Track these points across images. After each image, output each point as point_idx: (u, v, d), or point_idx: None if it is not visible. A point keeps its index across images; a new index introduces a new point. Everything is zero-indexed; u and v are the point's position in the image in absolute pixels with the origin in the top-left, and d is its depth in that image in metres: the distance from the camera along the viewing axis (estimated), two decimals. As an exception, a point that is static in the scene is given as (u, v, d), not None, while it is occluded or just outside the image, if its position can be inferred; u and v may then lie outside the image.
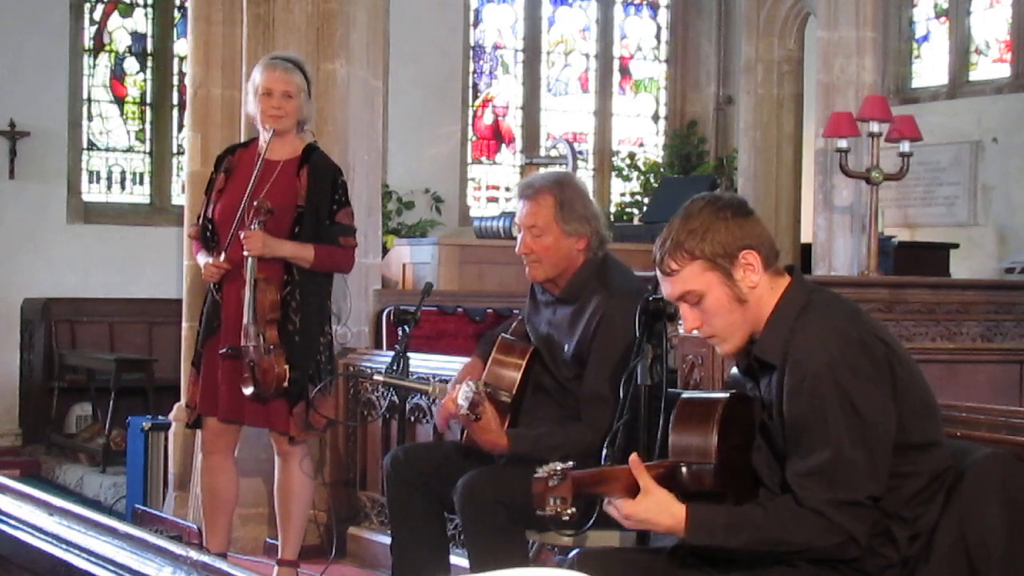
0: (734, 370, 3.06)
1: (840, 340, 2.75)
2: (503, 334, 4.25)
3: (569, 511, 2.70)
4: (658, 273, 2.93)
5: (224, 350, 4.94)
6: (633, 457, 2.81)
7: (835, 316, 2.83)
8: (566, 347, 4.08)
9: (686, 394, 3.02)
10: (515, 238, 4.21)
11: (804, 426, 2.74)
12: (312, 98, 5.18)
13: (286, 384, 4.87)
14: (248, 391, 4.88)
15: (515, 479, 3.80)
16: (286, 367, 4.87)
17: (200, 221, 5.17)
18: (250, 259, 4.85)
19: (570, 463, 2.75)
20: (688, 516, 2.74)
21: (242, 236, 4.85)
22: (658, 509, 2.75)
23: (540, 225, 4.06)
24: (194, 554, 1.65)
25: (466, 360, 4.40)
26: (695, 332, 2.99)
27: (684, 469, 2.80)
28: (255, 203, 4.86)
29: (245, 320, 4.87)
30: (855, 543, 2.72)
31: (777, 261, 2.92)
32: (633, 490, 2.77)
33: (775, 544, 2.74)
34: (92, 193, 10.39)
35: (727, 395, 2.90)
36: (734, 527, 2.75)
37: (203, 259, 5.07)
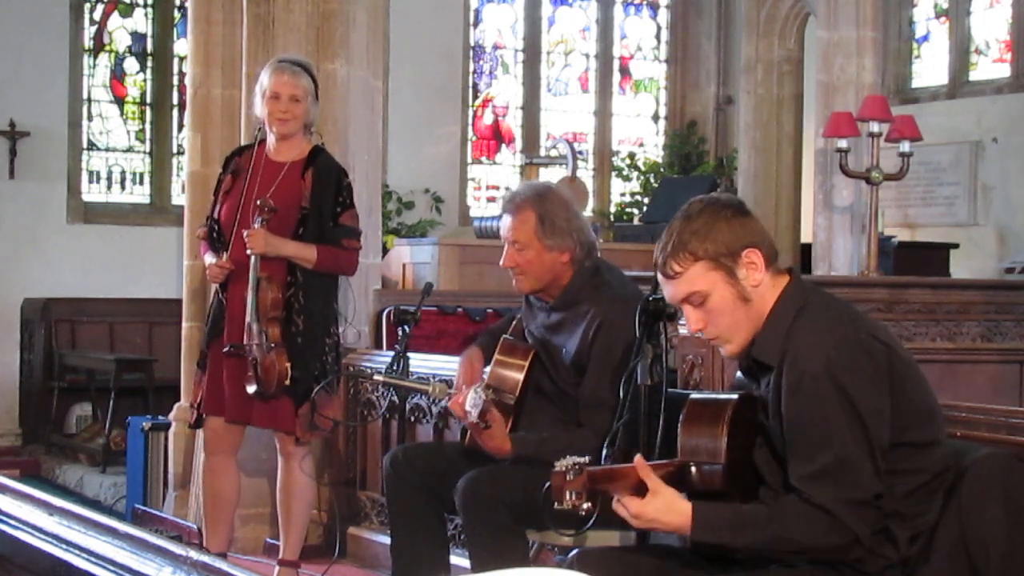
0: (739, 374, 3.06)
1: (837, 341, 2.76)
2: (505, 335, 4.24)
3: (585, 505, 2.73)
4: (660, 277, 2.93)
5: (227, 348, 4.95)
6: (638, 458, 2.82)
7: (832, 317, 2.83)
8: (564, 352, 4.07)
9: (695, 395, 3.03)
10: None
11: (803, 427, 2.74)
12: (319, 100, 5.19)
13: (287, 382, 4.88)
14: (251, 389, 4.89)
15: (516, 479, 3.82)
16: (287, 365, 4.87)
17: (208, 222, 5.18)
18: (253, 257, 4.86)
19: (586, 458, 2.78)
20: (694, 514, 2.75)
21: (245, 234, 4.86)
22: (666, 508, 2.76)
23: (522, 240, 4.07)
24: (194, 554, 1.65)
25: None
26: (700, 334, 2.98)
27: (693, 469, 2.82)
28: (258, 201, 4.87)
29: (248, 318, 4.88)
30: (859, 544, 2.71)
31: (777, 260, 2.92)
32: (642, 489, 2.79)
33: (779, 543, 2.74)
34: (92, 193, 10.39)
35: (736, 396, 2.91)
36: (739, 525, 2.75)
37: (209, 259, 5.08)
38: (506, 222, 4.14)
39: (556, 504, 2.77)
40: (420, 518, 4.17)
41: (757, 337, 2.86)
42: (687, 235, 2.84)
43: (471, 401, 3.89)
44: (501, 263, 4.16)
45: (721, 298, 2.85)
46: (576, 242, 4.07)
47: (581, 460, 2.77)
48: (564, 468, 2.75)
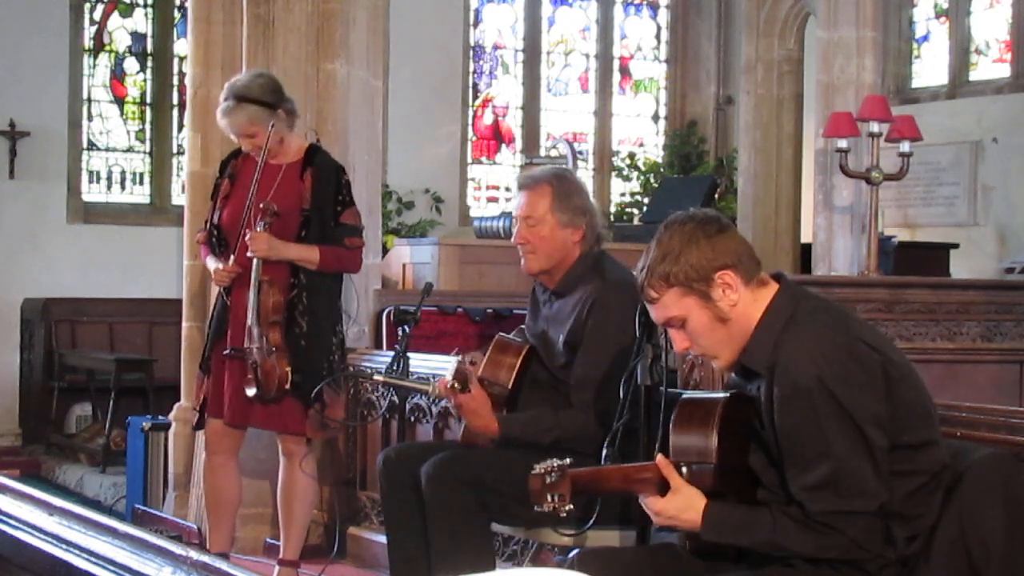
0: (733, 373, 3.06)
1: (827, 350, 2.75)
2: (500, 334, 4.27)
3: (567, 507, 2.73)
4: (644, 300, 2.95)
5: (227, 351, 4.95)
6: (660, 457, 2.82)
7: (821, 326, 2.81)
8: (560, 336, 4.08)
9: (686, 394, 3.03)
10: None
11: (799, 439, 2.74)
12: (285, 102, 5.02)
13: (287, 386, 4.88)
14: (251, 392, 4.89)
15: (484, 462, 3.85)
16: (287, 369, 4.87)
17: (207, 227, 5.17)
18: (255, 261, 4.86)
19: (567, 460, 2.77)
20: (704, 513, 2.78)
21: (247, 238, 4.86)
22: (686, 506, 2.79)
23: (536, 215, 4.11)
24: (194, 554, 1.65)
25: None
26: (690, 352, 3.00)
27: (684, 469, 2.82)
28: (260, 205, 4.87)
29: (249, 321, 4.88)
30: (863, 550, 2.73)
31: (759, 271, 2.91)
32: (637, 487, 2.79)
33: (782, 550, 2.76)
34: (92, 193, 10.39)
35: (727, 395, 2.91)
36: (745, 527, 2.77)
37: (212, 264, 5.07)
38: (521, 199, 4.18)
39: (536, 507, 2.77)
40: (414, 518, 4.15)
41: (747, 345, 2.87)
42: (658, 261, 2.86)
43: (450, 369, 3.93)
44: (512, 240, 4.20)
45: (698, 322, 2.86)
46: (589, 223, 4.12)
47: (562, 462, 2.77)
48: (544, 470, 2.75)
